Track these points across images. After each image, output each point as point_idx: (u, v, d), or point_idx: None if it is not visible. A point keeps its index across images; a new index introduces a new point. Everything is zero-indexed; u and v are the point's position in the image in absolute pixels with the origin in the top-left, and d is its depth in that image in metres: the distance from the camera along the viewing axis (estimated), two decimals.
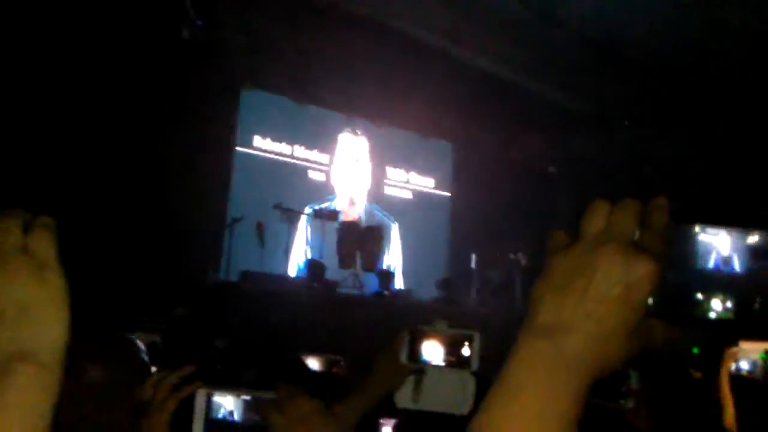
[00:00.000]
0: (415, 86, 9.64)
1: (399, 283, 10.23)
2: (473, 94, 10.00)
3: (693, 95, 9.77)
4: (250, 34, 8.62)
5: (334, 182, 10.35)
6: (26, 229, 0.61)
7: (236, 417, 1.17)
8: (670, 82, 9.77)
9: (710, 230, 0.66)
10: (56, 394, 0.60)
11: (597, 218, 0.61)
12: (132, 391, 1.30)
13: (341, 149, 10.51)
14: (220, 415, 1.17)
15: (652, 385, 2.09)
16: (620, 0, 8.39)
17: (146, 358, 1.69)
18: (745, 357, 2.70)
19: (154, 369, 2.13)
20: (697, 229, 0.66)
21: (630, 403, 1.99)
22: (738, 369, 2.69)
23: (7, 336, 0.58)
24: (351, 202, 10.41)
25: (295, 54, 9.04)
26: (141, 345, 1.75)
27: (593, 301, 0.58)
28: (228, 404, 1.18)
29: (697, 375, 2.83)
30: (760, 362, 2.70)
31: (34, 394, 0.58)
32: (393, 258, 10.55)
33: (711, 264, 0.66)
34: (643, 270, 0.58)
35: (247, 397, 1.18)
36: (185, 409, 1.18)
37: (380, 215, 10.64)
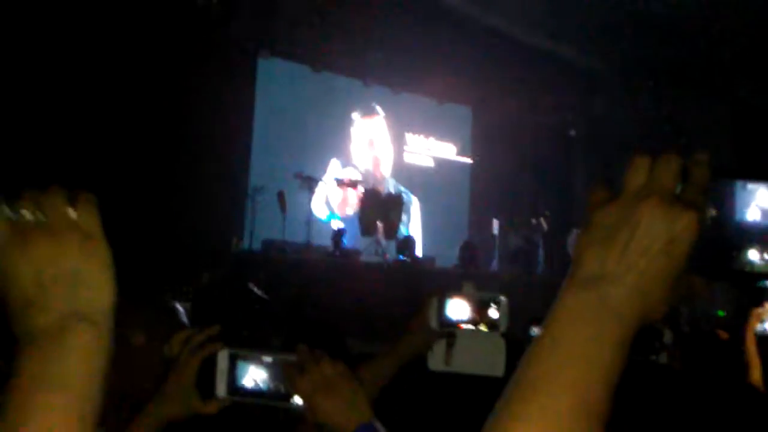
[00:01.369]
0: (433, 51, 9.54)
1: (420, 251, 10.28)
2: (491, 57, 9.88)
3: (716, 54, 9.56)
4: (262, 1, 8.56)
5: (355, 162, 10.38)
6: (70, 203, 0.67)
7: (261, 383, 1.18)
8: (691, 41, 9.56)
9: (750, 184, 0.66)
10: (109, 351, 0.66)
11: (639, 172, 0.62)
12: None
13: (357, 132, 10.50)
14: (244, 381, 1.18)
15: (684, 342, 2.11)
16: None
17: (185, 321, 1.73)
18: None
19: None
20: (736, 183, 0.66)
21: (664, 358, 2.02)
22: (764, 330, 2.68)
23: (62, 300, 0.65)
24: (373, 176, 10.48)
25: (311, 20, 8.97)
26: (181, 309, 1.78)
27: (635, 253, 0.59)
28: (252, 370, 1.18)
29: (725, 336, 2.84)
30: None
31: (90, 350, 0.65)
32: (413, 231, 10.63)
33: (749, 217, 0.66)
34: (684, 223, 0.59)
35: (269, 359, 1.18)
36: (209, 370, 1.20)
37: (402, 190, 10.72)
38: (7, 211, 0.66)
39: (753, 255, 0.65)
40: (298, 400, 1.14)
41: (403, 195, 10.16)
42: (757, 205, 0.66)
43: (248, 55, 9.05)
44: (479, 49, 9.70)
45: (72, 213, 0.67)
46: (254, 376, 1.18)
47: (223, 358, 1.18)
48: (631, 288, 0.59)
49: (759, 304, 2.58)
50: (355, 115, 10.44)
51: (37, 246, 0.65)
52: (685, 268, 0.60)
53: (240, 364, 1.18)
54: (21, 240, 0.65)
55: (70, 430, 0.61)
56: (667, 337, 1.89)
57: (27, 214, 0.66)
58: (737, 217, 0.66)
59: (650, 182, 0.61)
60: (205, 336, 1.24)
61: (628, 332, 0.59)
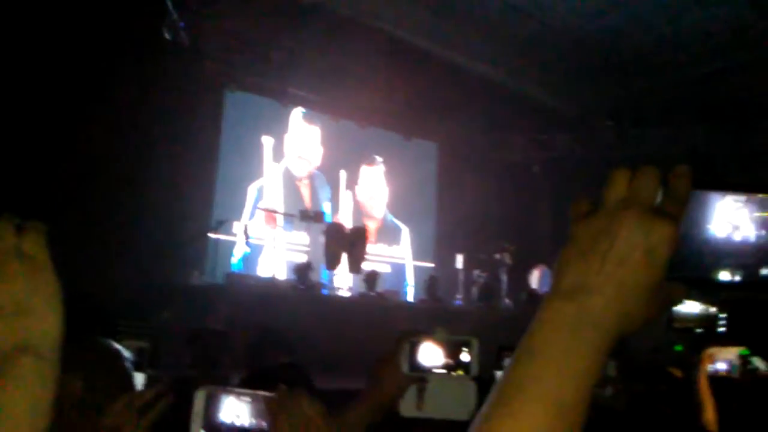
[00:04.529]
0: (399, 87, 9.66)
1: (411, 278, 10.66)
2: (457, 95, 10.04)
3: (675, 92, 9.86)
4: (232, 36, 8.60)
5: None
6: (19, 231, 0.66)
7: (239, 421, 1.16)
8: (652, 81, 9.86)
9: (729, 197, 0.67)
10: (56, 384, 0.64)
11: (618, 185, 0.63)
12: (110, 400, 1.28)
13: (364, 183, 10.89)
14: (223, 419, 1.16)
15: (629, 375, 2.13)
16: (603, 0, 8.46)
17: (130, 366, 1.67)
18: (722, 358, 2.75)
19: (142, 376, 2.11)
20: (712, 195, 0.67)
21: (609, 392, 2.04)
22: (715, 370, 2.73)
23: (6, 331, 0.63)
24: (368, 214, 10.75)
25: (278, 56, 9.03)
26: (126, 353, 1.72)
27: (615, 263, 0.60)
28: (231, 408, 1.16)
29: (678, 374, 2.88)
30: (737, 362, 2.75)
31: (34, 383, 0.63)
32: (405, 259, 11.04)
33: (722, 233, 0.66)
34: (662, 233, 0.60)
35: (248, 398, 1.17)
36: (186, 411, 1.16)
37: (394, 222, 11.03)
38: None
39: (724, 276, 0.66)
40: None
41: (396, 227, 10.55)
42: (730, 221, 0.66)
43: (215, 88, 9.05)
44: (445, 87, 9.85)
45: (19, 242, 0.65)
46: (233, 414, 1.16)
47: (200, 400, 1.15)
48: (610, 298, 0.60)
49: (709, 346, 2.64)
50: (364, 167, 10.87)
51: None
52: (663, 278, 0.61)
53: (218, 403, 1.16)
54: None
55: None
56: (610, 369, 1.89)
57: None
58: (711, 231, 0.66)
59: (630, 195, 0.62)
60: (151, 394, 1.19)
61: (606, 342, 0.60)
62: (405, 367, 1.38)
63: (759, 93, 8.95)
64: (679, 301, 0.65)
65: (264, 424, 1.14)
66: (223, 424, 1.15)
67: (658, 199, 0.62)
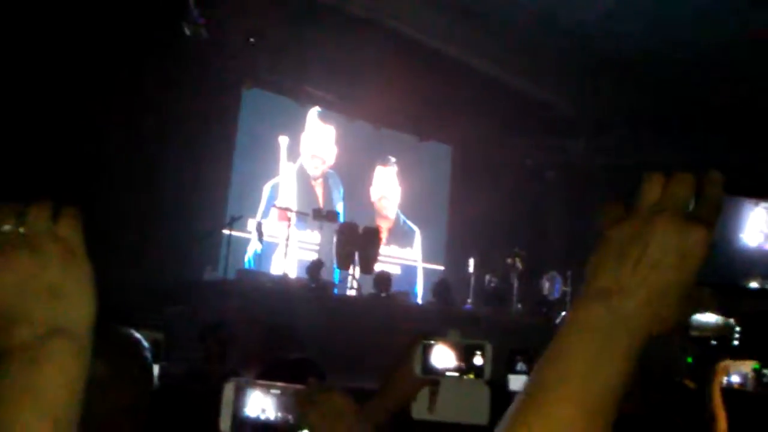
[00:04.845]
0: (416, 89, 9.65)
1: (420, 281, 10.71)
2: (473, 99, 10.02)
3: (685, 101, 9.79)
4: (250, 34, 8.63)
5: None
6: (54, 217, 0.67)
7: (267, 414, 1.15)
8: (669, 88, 9.79)
9: (762, 205, 0.67)
10: (87, 367, 0.66)
11: (653, 189, 0.64)
12: (134, 389, 1.30)
13: (378, 184, 10.90)
14: (250, 412, 1.15)
15: (650, 386, 2.12)
16: (619, 9, 8.42)
17: (149, 356, 1.68)
18: (736, 371, 2.74)
19: (156, 367, 2.12)
20: (746, 202, 0.67)
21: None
22: (729, 383, 2.72)
23: (42, 314, 0.64)
24: (381, 215, 10.75)
25: (296, 55, 9.05)
26: (146, 343, 1.73)
27: (648, 267, 0.61)
28: (259, 401, 1.16)
29: (692, 385, 2.86)
30: (751, 375, 2.73)
31: (69, 365, 0.64)
32: (417, 261, 11.10)
33: (754, 242, 0.67)
34: (695, 238, 0.61)
35: (277, 390, 1.17)
36: (213, 402, 1.16)
37: (407, 224, 11.06)
38: None
39: (755, 285, 0.67)
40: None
41: (408, 230, 10.66)
42: (762, 229, 0.67)
43: (232, 85, 9.08)
44: (462, 90, 9.84)
45: (54, 227, 0.66)
46: (261, 407, 1.16)
47: (229, 391, 1.15)
48: (642, 301, 0.61)
49: (723, 358, 2.62)
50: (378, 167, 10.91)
51: (19, 259, 0.64)
52: (694, 282, 0.62)
53: (244, 396, 1.16)
54: (2, 253, 0.64)
55: None
56: None
57: (8, 227, 0.65)
58: (743, 239, 0.67)
59: (664, 199, 0.63)
60: None
61: (636, 344, 0.61)
62: (418, 370, 1.37)
63: None
64: (707, 307, 0.65)
65: (290, 417, 1.14)
66: (248, 418, 1.15)
67: (692, 205, 0.63)
